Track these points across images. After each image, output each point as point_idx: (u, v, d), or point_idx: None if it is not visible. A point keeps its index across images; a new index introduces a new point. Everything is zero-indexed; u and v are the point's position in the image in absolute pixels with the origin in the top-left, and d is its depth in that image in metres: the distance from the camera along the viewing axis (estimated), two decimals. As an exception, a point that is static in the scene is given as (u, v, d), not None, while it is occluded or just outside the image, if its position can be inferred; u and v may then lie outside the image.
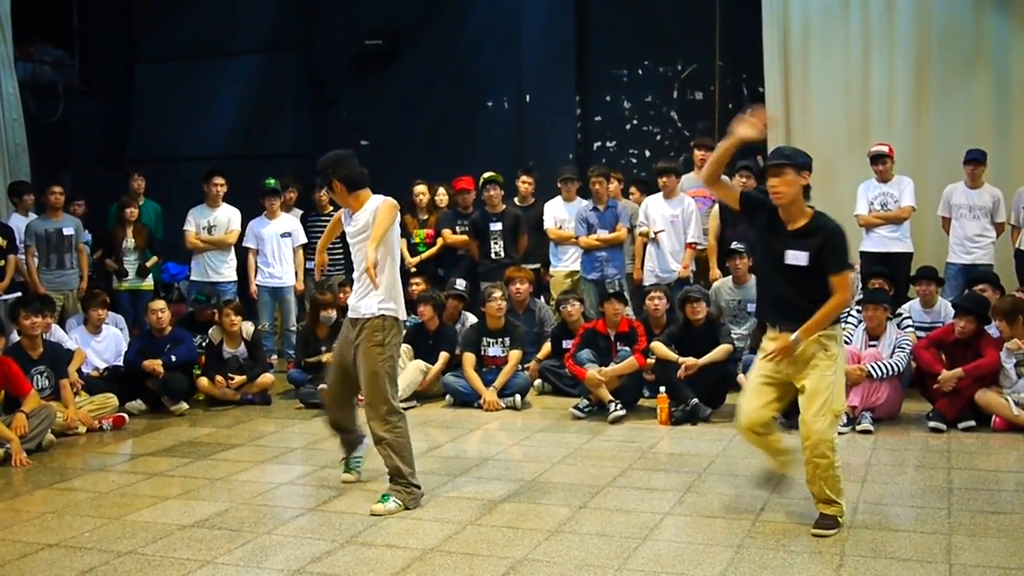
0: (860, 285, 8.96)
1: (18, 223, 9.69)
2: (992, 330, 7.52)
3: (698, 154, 9.91)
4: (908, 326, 8.27)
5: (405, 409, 8.15)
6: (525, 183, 10.36)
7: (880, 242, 9.23)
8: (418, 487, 5.64)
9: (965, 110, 10.39)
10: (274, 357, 10.09)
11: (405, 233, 10.34)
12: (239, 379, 8.74)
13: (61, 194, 9.73)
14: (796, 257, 4.83)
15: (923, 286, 8.46)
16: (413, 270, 10.08)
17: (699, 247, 9.48)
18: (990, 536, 4.94)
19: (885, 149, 9.30)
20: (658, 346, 7.98)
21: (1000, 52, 10.32)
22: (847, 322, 8.21)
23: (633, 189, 10.63)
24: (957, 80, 10.43)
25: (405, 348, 8.85)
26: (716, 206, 9.44)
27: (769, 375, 5.01)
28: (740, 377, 7.53)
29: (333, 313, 9.17)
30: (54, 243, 9.63)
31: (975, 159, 9.20)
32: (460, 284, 9.46)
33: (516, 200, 10.27)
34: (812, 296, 4.85)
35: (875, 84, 10.75)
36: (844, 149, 10.82)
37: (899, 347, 7.56)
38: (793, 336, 4.81)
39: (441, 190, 10.47)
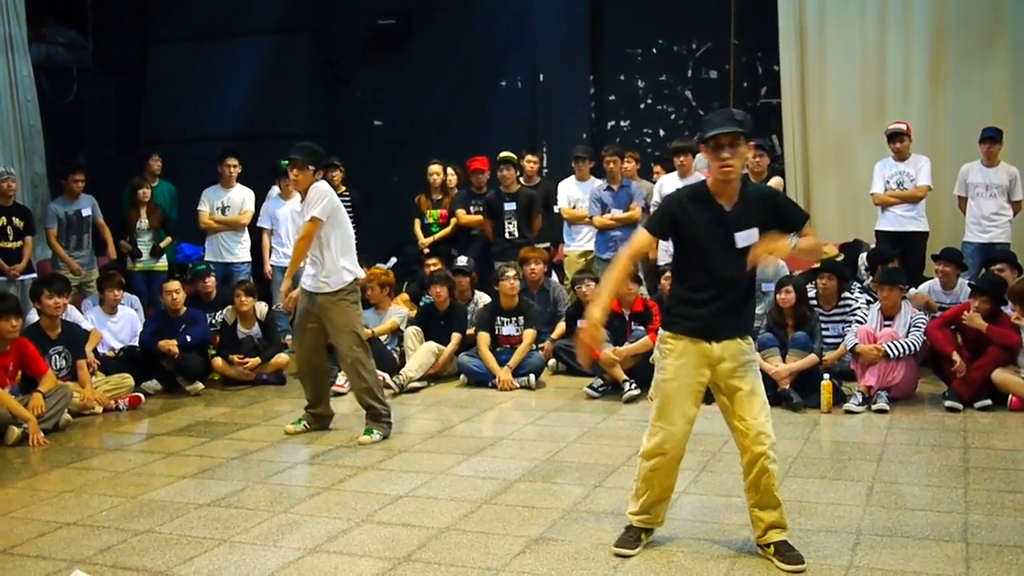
0: (868, 265, 8.93)
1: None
2: (1009, 310, 7.48)
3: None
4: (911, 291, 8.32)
5: (417, 390, 8.31)
6: (531, 162, 10.39)
7: (896, 221, 9.19)
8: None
9: (982, 88, 10.30)
10: (288, 337, 10.09)
11: (419, 213, 10.37)
12: (253, 361, 8.77)
13: (82, 181, 9.79)
14: (748, 237, 4.26)
15: (943, 266, 8.40)
16: (427, 250, 10.09)
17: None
18: (1007, 515, 4.92)
19: (903, 127, 9.23)
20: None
21: (1018, 30, 10.20)
22: (856, 299, 8.21)
23: (659, 168, 10.55)
24: (974, 58, 10.33)
25: (415, 330, 8.87)
26: None
27: (695, 381, 4.38)
28: (756, 356, 7.49)
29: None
30: (74, 224, 9.70)
31: (991, 137, 9.12)
32: (462, 260, 9.46)
33: (522, 180, 10.26)
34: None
35: (892, 62, 10.67)
36: (860, 128, 10.76)
37: (914, 326, 7.53)
38: (794, 241, 4.26)
39: (450, 170, 10.48)
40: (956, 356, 7.30)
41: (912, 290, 8.41)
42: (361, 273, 6.90)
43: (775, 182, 9.41)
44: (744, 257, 4.25)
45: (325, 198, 6.60)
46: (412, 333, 8.86)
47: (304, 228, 6.59)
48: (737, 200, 4.29)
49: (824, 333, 7.87)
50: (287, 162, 6.77)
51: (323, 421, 7.08)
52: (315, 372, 7.03)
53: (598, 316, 4.32)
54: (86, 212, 9.76)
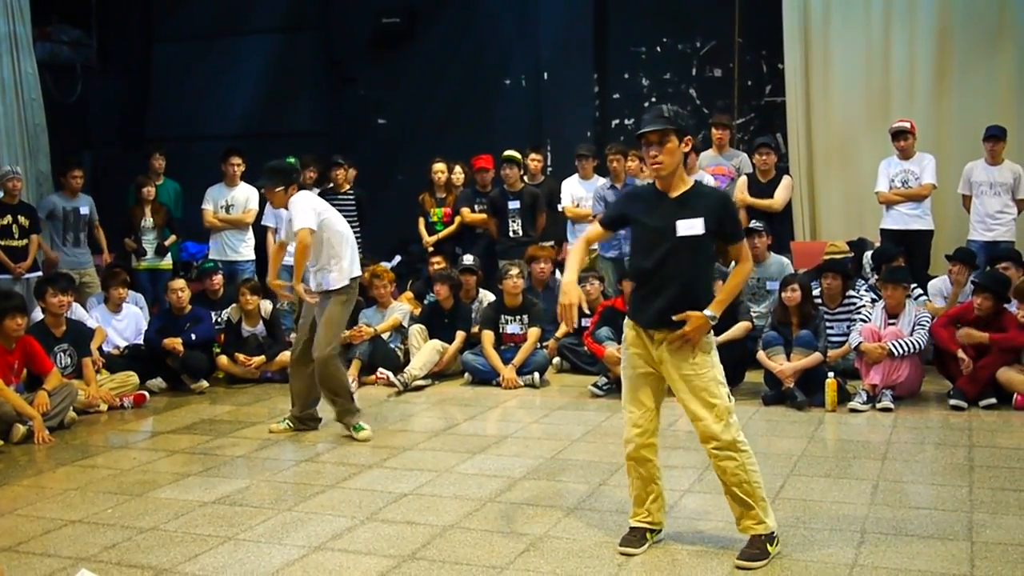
0: (873, 264, 8.92)
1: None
2: (1013, 308, 7.46)
3: (715, 132, 9.93)
4: (921, 295, 8.29)
5: (421, 388, 8.32)
6: (534, 160, 10.40)
7: (900, 219, 9.18)
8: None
9: (987, 86, 10.30)
10: (293, 335, 10.10)
11: (423, 212, 10.37)
12: (257, 360, 8.78)
13: (81, 178, 9.85)
14: (691, 227, 4.24)
15: (956, 267, 8.37)
16: (431, 249, 10.09)
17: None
18: (1011, 513, 4.91)
19: (907, 125, 9.22)
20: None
21: (1023, 27, 10.21)
22: (860, 297, 8.20)
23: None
24: (979, 56, 10.32)
25: (419, 328, 8.88)
26: (743, 179, 9.43)
27: (644, 371, 4.42)
28: (760, 354, 7.52)
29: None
30: (71, 222, 9.72)
31: (995, 135, 9.10)
32: (468, 259, 9.46)
33: (526, 178, 10.26)
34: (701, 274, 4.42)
35: (896, 60, 10.66)
36: (864, 126, 10.76)
37: (919, 324, 7.53)
38: (709, 313, 4.26)
39: (458, 168, 10.48)
40: (962, 354, 7.29)
41: (923, 298, 8.39)
42: (356, 273, 6.87)
43: (786, 182, 9.42)
44: (687, 247, 4.24)
45: (303, 209, 6.64)
46: (416, 331, 8.87)
47: (298, 242, 6.60)
48: (685, 191, 4.30)
49: (828, 331, 7.86)
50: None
51: (305, 423, 7.04)
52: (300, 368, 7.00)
53: (573, 278, 4.39)
54: (84, 211, 9.79)
